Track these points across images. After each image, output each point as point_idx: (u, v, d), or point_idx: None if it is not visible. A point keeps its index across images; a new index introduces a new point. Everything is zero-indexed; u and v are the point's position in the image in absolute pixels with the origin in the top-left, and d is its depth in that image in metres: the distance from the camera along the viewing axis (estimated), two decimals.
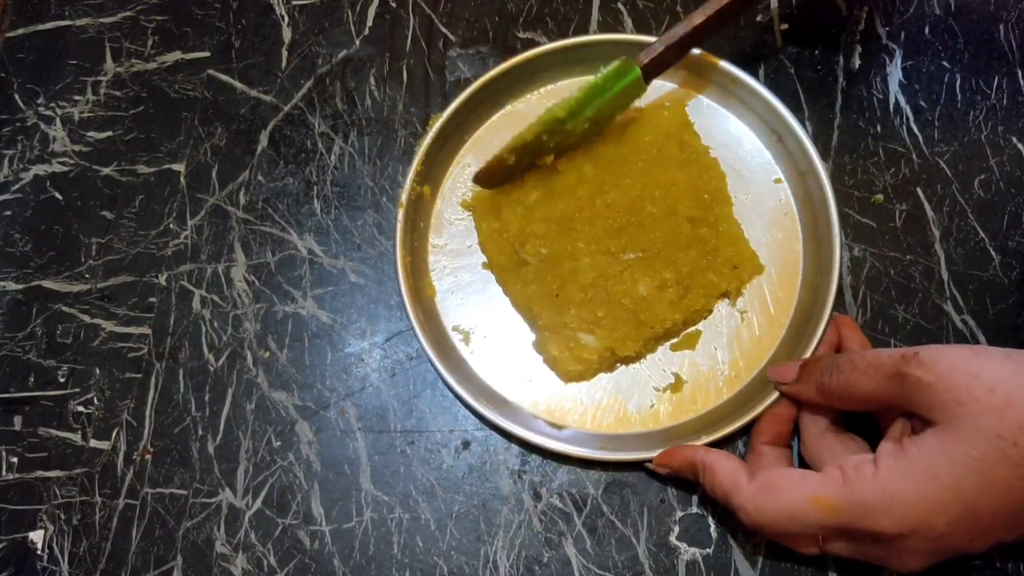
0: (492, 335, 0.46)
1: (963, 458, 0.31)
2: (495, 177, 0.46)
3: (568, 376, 0.44)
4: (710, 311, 0.45)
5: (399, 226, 0.46)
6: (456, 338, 0.46)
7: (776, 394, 0.41)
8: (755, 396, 0.42)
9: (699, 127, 0.48)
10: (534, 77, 0.50)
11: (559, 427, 0.44)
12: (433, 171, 0.48)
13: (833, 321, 0.43)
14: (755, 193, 0.47)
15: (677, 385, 0.44)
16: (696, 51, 0.47)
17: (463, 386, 0.43)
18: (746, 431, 0.42)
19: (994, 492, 0.31)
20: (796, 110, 0.47)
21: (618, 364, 0.45)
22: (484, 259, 0.48)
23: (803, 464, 0.40)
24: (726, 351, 0.45)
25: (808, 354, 0.42)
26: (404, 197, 0.46)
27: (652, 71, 0.45)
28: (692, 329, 0.45)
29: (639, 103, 0.47)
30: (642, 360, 0.45)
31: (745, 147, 0.49)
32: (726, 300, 0.46)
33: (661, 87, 0.50)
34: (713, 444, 0.41)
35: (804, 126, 0.47)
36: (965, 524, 0.32)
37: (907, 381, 0.33)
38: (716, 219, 0.45)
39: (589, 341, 0.43)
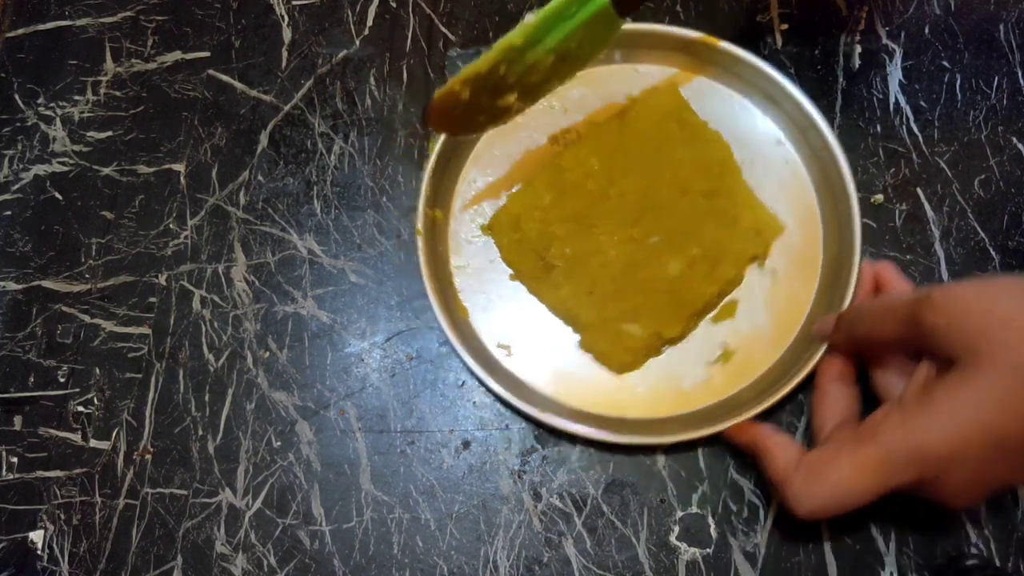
0: (534, 344, 0.46)
1: (985, 393, 0.31)
2: (451, 118, 0.41)
3: (621, 368, 0.45)
4: (742, 278, 0.46)
5: (422, 256, 0.45)
6: (501, 354, 0.46)
7: (822, 346, 0.42)
8: (803, 352, 0.43)
9: (694, 105, 0.48)
10: None
11: (625, 420, 0.44)
12: (441, 193, 0.48)
13: (871, 267, 0.43)
14: (761, 158, 0.48)
15: (727, 355, 0.45)
16: (684, 32, 0.48)
17: (524, 400, 0.43)
18: (802, 388, 0.42)
19: (1020, 419, 0.31)
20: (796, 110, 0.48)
21: (665, 347, 0.45)
22: (510, 272, 0.47)
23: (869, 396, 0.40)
24: (765, 314, 0.45)
25: (846, 302, 0.43)
26: (420, 224, 0.46)
27: (625, 2, 0.39)
28: (728, 299, 0.46)
29: (632, 90, 0.48)
30: (687, 338, 0.45)
31: (742, 117, 0.49)
32: (755, 265, 0.46)
33: (651, 73, 0.50)
34: (772, 408, 0.42)
35: (796, 83, 0.47)
36: (999, 454, 0.32)
37: (923, 325, 0.34)
38: (729, 189, 0.46)
39: (634, 330, 0.44)
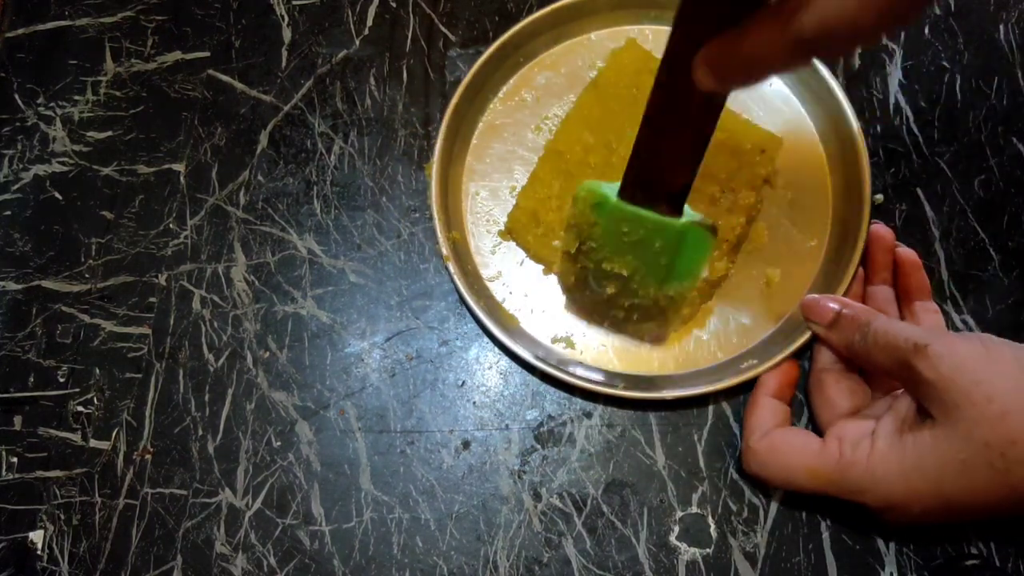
0: (589, 329, 0.46)
1: (950, 459, 0.33)
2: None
3: (683, 322, 0.45)
4: (761, 200, 0.47)
5: (459, 281, 0.45)
6: (560, 347, 0.46)
7: (795, 344, 0.42)
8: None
9: (657, 53, 0.49)
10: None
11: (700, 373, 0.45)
12: (452, 214, 0.48)
13: (893, 242, 0.44)
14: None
15: (770, 281, 0.46)
16: None
17: (616, 383, 0.44)
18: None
19: (972, 494, 0.33)
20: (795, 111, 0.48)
21: (712, 290, 0.46)
22: (542, 268, 0.48)
23: (806, 398, 0.42)
24: (793, 228, 0.47)
25: (858, 251, 0.43)
26: (445, 250, 0.45)
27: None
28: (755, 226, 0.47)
29: (593, 59, 0.51)
30: (728, 277, 0.46)
31: None
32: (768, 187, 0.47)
33: (603, 37, 0.52)
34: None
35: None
36: (937, 512, 0.35)
37: (913, 372, 0.35)
38: (720, 121, 0.46)
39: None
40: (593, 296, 0.44)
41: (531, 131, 0.50)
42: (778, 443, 0.39)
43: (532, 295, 0.47)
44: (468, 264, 0.48)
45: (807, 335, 0.42)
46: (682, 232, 0.38)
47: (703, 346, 0.45)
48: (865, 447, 0.36)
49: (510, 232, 0.48)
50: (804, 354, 0.44)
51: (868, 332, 0.38)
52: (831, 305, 0.41)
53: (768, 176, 0.46)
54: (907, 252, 0.44)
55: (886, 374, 0.39)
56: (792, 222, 0.47)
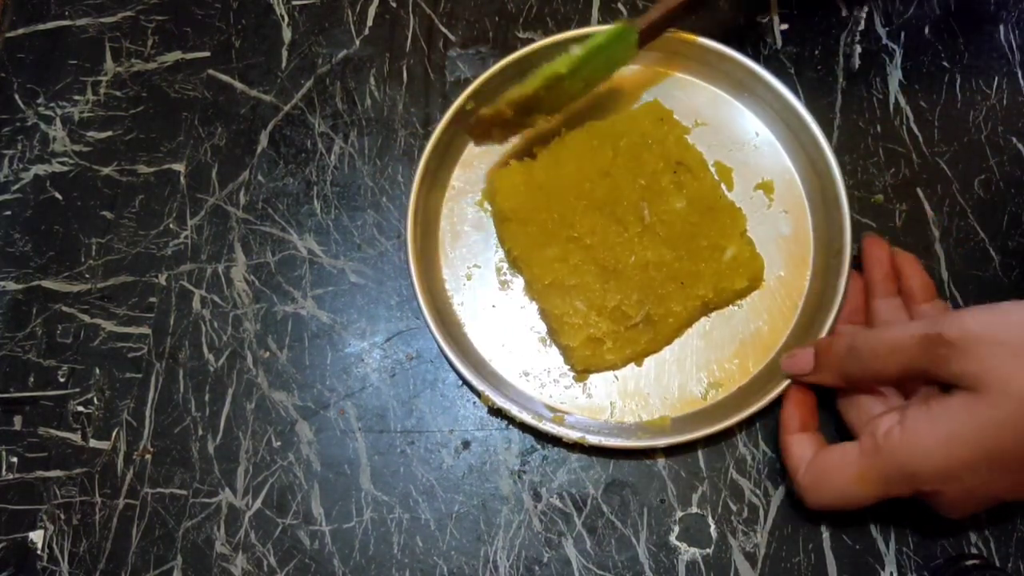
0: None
1: (990, 420, 0.33)
2: (488, 131, 0.46)
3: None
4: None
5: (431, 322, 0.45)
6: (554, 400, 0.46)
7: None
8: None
9: (668, 103, 0.49)
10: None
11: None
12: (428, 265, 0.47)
13: (887, 251, 0.44)
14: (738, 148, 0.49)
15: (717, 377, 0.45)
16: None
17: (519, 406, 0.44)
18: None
19: (1021, 447, 0.33)
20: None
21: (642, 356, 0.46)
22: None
23: (840, 425, 0.41)
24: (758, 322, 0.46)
25: (827, 326, 0.42)
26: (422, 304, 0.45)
27: (647, 36, 0.46)
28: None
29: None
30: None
31: (724, 110, 0.50)
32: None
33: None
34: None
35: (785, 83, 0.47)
36: (996, 473, 0.34)
37: (933, 360, 0.34)
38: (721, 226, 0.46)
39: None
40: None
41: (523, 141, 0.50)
42: (820, 469, 0.38)
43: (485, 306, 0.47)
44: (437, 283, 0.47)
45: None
46: (623, 31, 0.44)
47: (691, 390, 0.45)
48: (897, 431, 0.35)
49: (586, 369, 0.46)
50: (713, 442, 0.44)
51: (856, 351, 0.38)
52: (806, 350, 0.41)
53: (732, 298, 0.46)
54: (905, 256, 0.43)
55: (901, 380, 0.38)
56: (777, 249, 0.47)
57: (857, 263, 0.44)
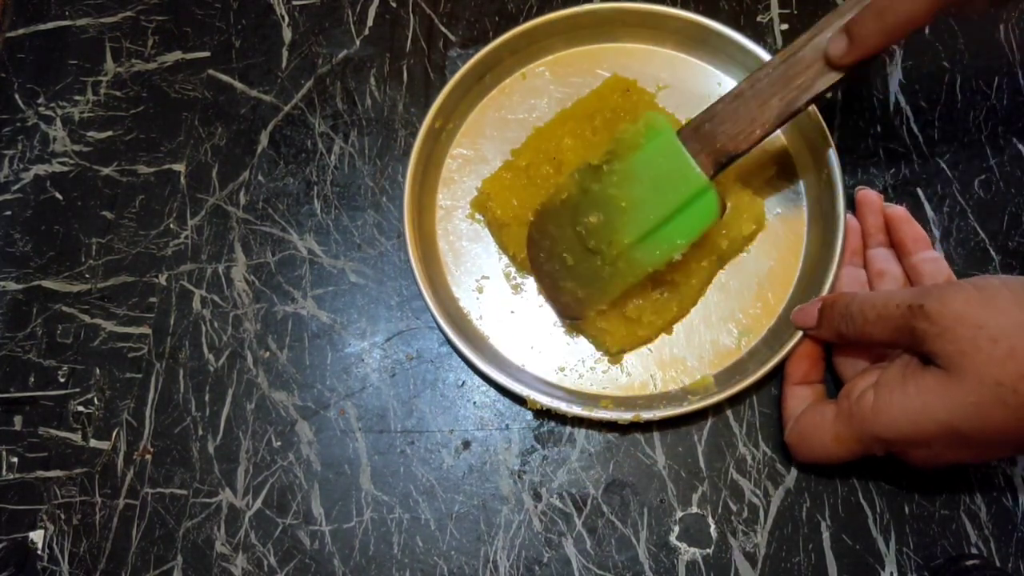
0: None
1: (961, 402, 0.33)
2: None
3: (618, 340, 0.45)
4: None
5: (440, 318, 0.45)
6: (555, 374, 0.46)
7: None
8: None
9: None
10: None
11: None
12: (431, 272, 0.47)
13: (880, 203, 0.45)
14: None
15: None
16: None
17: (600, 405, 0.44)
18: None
19: (990, 432, 0.33)
20: None
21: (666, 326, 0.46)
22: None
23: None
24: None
25: (828, 280, 0.43)
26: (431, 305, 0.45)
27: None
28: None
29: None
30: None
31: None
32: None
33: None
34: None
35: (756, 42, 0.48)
36: (959, 444, 0.35)
37: (914, 333, 0.35)
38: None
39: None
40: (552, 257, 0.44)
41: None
42: (803, 427, 0.40)
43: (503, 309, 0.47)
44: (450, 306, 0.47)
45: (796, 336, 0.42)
46: (703, 191, 0.39)
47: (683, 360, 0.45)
48: (869, 397, 0.37)
49: (621, 350, 0.46)
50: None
51: (850, 314, 0.38)
52: (812, 305, 0.42)
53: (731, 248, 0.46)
54: (895, 208, 0.45)
55: (889, 346, 0.39)
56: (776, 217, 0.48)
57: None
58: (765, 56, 0.47)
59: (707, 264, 0.45)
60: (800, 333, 0.42)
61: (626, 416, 0.42)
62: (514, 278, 0.48)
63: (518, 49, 0.50)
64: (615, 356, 0.45)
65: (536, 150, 0.47)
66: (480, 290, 0.48)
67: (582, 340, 0.46)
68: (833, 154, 0.45)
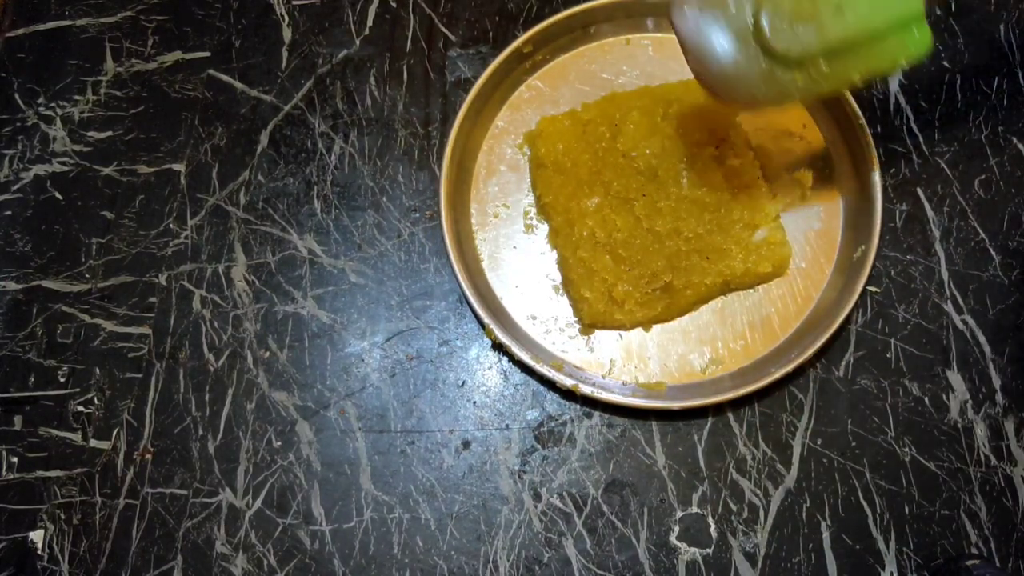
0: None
1: None
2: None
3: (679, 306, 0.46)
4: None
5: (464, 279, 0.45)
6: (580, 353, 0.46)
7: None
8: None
9: None
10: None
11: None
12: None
13: None
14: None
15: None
16: None
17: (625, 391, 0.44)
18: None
19: None
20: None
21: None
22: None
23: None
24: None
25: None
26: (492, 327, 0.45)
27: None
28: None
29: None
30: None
31: None
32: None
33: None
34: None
35: None
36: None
37: None
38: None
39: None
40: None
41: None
42: None
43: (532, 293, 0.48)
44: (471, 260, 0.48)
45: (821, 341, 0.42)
46: (917, 17, 0.37)
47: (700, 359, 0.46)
48: None
49: (593, 324, 0.46)
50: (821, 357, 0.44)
51: None
52: None
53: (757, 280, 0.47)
54: None
55: None
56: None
57: (876, 269, 0.45)
58: (867, 136, 0.46)
59: (709, 283, 0.44)
60: (771, 377, 0.42)
61: (566, 382, 0.43)
62: (531, 218, 0.49)
63: (632, 14, 0.51)
64: (586, 328, 0.46)
65: (603, 111, 0.48)
66: (496, 215, 0.49)
67: (563, 301, 0.47)
68: (876, 232, 0.44)
